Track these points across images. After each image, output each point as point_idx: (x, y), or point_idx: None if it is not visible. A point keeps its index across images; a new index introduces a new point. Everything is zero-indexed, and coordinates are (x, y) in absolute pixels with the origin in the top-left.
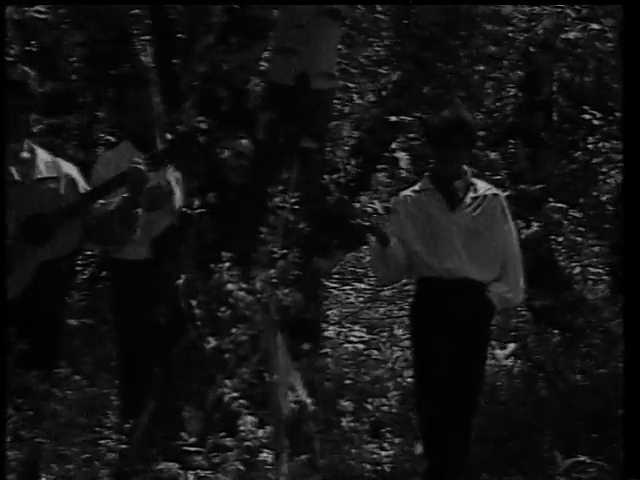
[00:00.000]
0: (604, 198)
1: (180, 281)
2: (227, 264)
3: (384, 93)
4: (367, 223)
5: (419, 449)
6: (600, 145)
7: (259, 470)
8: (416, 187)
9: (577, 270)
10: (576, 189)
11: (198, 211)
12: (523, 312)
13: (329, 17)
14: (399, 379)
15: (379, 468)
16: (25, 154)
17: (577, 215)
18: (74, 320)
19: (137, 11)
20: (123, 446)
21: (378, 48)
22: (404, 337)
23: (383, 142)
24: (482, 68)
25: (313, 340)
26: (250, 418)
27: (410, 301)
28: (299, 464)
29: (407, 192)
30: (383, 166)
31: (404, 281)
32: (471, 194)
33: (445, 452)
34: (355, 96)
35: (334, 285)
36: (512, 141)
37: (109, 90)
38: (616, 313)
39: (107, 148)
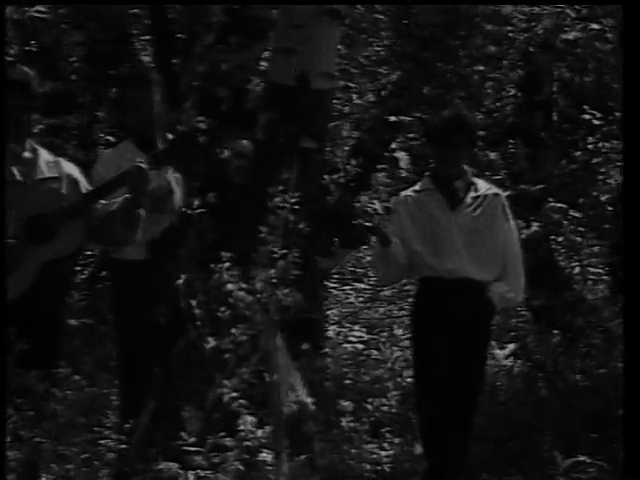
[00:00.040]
0: (604, 198)
1: (180, 281)
2: (227, 264)
3: (384, 93)
4: (368, 223)
5: (419, 449)
6: (600, 145)
7: (259, 470)
8: (416, 187)
9: (577, 270)
10: (576, 189)
11: (198, 211)
12: (523, 312)
13: (329, 17)
14: (399, 379)
15: (379, 468)
16: (27, 154)
17: (577, 215)
18: (74, 320)
19: (136, 11)
20: (123, 446)
21: (378, 48)
22: (404, 337)
23: (383, 142)
24: (482, 68)
25: (316, 340)
26: (250, 418)
27: (410, 301)
28: (299, 464)
29: (407, 192)
30: (383, 166)
31: (404, 281)
32: (472, 194)
33: (445, 452)
34: (355, 96)
35: (334, 285)
36: (512, 141)
37: (110, 90)
38: (616, 313)
39: (107, 148)
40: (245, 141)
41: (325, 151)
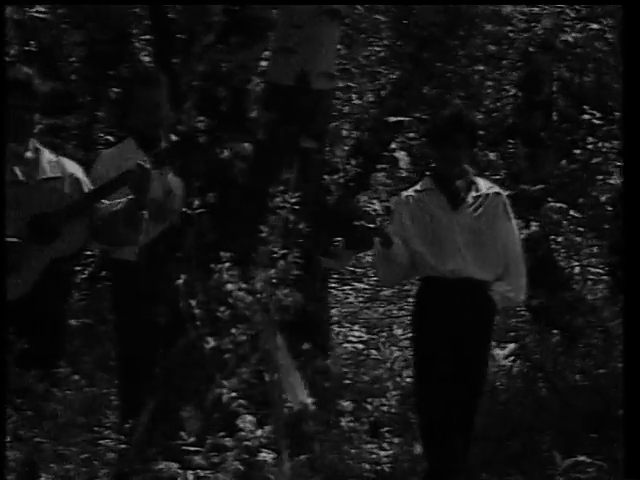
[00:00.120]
0: (603, 198)
1: (180, 281)
2: (227, 264)
3: (383, 93)
4: (370, 225)
5: (418, 449)
6: (600, 145)
7: (258, 470)
8: (417, 187)
9: (576, 270)
10: (575, 189)
11: (198, 211)
12: (522, 312)
13: (329, 17)
14: (398, 379)
15: (378, 468)
16: (29, 154)
17: (576, 215)
18: (74, 320)
19: (137, 10)
20: (122, 446)
21: (378, 48)
22: (403, 337)
23: (383, 142)
24: (482, 68)
25: (321, 341)
26: (249, 418)
27: (410, 301)
28: (299, 464)
29: (409, 192)
30: (383, 166)
31: (403, 281)
32: (473, 193)
33: (445, 452)
34: (354, 96)
35: (333, 285)
36: (511, 141)
37: (110, 90)
38: (615, 313)
39: (107, 148)
40: (245, 144)
41: (325, 151)
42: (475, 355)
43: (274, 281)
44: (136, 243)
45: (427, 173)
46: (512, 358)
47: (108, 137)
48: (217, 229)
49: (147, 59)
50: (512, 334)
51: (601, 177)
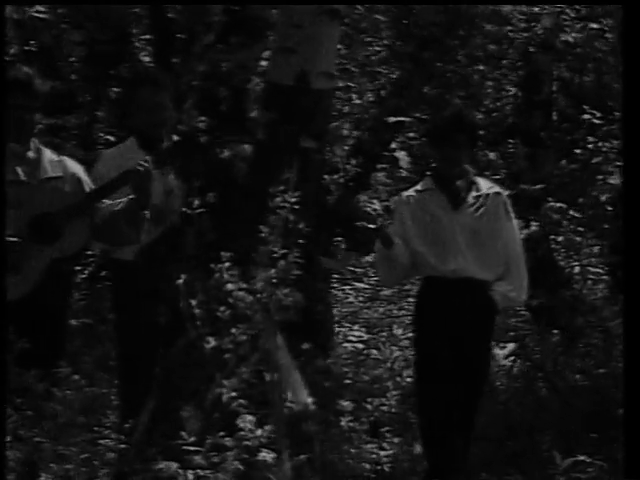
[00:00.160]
0: (603, 198)
1: (180, 281)
2: (227, 264)
3: (383, 93)
4: (371, 225)
5: (418, 449)
6: (600, 145)
7: (258, 470)
8: (418, 187)
9: (576, 270)
10: (575, 189)
11: (198, 211)
12: (522, 312)
13: (328, 17)
14: (398, 379)
15: (378, 468)
16: (31, 154)
17: (576, 215)
18: (74, 320)
19: (137, 10)
20: (122, 446)
21: (378, 48)
22: (403, 337)
23: (383, 142)
24: (482, 68)
25: (323, 342)
26: (249, 417)
27: (410, 301)
28: (298, 464)
29: (409, 192)
30: (383, 166)
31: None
32: (474, 193)
33: (445, 452)
34: (355, 96)
35: (334, 284)
36: (511, 141)
37: (114, 89)
38: (615, 313)
39: (107, 148)
40: (245, 145)
41: (325, 151)
42: (476, 355)
43: (274, 281)
44: (137, 242)
45: (428, 173)
46: (512, 358)
47: (108, 137)
48: (217, 229)
49: (147, 59)
50: (512, 334)
51: (601, 177)
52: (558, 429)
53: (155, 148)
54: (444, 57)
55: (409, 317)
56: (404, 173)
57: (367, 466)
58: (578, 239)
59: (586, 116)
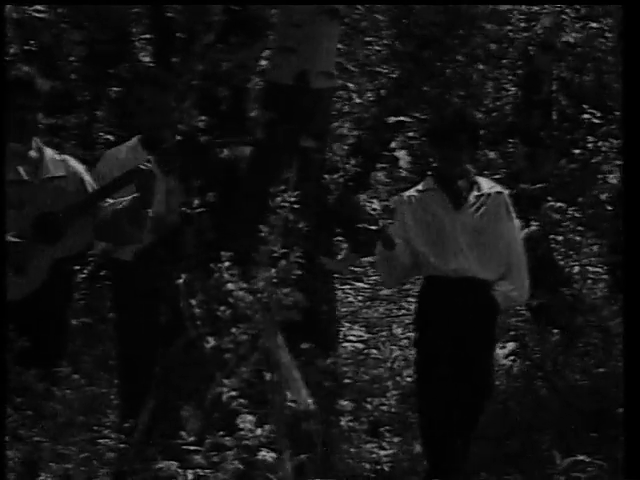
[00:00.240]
0: (603, 197)
1: (180, 280)
2: (227, 264)
3: (383, 92)
4: (373, 227)
5: (418, 448)
6: (599, 144)
7: (258, 469)
8: (419, 187)
9: (576, 269)
10: (575, 188)
11: (198, 211)
12: (522, 311)
13: (328, 16)
14: (398, 378)
15: (378, 467)
16: (33, 153)
17: (576, 214)
18: (74, 319)
19: (137, 10)
20: (122, 445)
21: (378, 47)
22: (403, 336)
23: (383, 141)
24: (481, 67)
25: (326, 342)
26: (249, 417)
27: (410, 300)
28: (298, 464)
29: (410, 192)
30: (383, 165)
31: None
32: (475, 193)
33: (445, 452)
34: (354, 95)
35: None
36: (511, 140)
37: (114, 89)
38: (615, 312)
39: (107, 148)
40: (245, 147)
41: (325, 150)
42: (477, 355)
43: (275, 281)
44: (140, 242)
45: (429, 173)
46: (512, 357)
47: (108, 137)
48: (217, 229)
49: (147, 59)
50: (512, 333)
51: (601, 176)
52: (558, 429)
53: (158, 148)
54: (444, 57)
55: (409, 316)
56: (404, 173)
57: (367, 466)
58: (578, 238)
59: (586, 116)
